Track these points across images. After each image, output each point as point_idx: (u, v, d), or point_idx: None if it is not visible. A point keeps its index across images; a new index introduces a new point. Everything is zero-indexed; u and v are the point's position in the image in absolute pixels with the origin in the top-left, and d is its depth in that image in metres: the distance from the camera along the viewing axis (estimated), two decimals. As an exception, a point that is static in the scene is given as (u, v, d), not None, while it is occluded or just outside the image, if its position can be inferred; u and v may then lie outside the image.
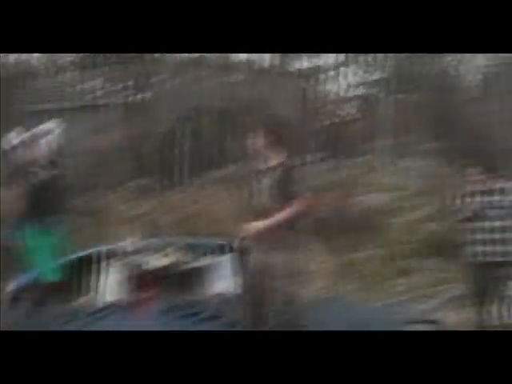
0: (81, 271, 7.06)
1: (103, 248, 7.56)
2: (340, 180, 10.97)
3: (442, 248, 8.71)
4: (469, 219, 5.82)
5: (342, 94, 32.27)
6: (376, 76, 26.85)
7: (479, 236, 5.77)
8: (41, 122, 5.55)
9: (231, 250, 7.58)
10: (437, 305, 6.89)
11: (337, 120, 30.40)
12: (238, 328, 4.95)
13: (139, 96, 28.02)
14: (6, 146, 5.31)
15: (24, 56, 17.33)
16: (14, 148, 5.30)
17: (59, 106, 17.92)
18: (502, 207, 5.79)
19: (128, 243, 7.38)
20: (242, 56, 19.78)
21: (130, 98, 28.68)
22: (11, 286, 7.59)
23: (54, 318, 5.60)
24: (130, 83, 27.80)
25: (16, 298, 7.49)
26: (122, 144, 23.99)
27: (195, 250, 7.45)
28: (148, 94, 26.80)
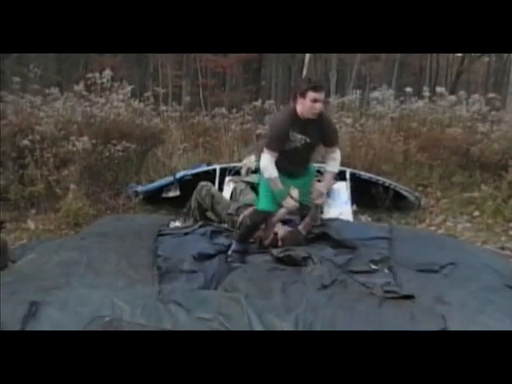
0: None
1: (222, 166, 7.71)
2: (465, 115, 10.58)
3: None
4: None
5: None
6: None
7: None
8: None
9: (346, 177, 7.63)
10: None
11: (463, 55, 29.46)
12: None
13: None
14: None
15: None
16: None
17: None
18: None
19: (246, 162, 7.48)
20: None
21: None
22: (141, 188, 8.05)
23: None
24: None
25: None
26: (244, 65, 24.20)
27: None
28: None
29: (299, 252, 4.91)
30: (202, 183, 6.83)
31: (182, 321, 3.58)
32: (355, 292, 4.21)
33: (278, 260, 4.89)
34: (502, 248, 6.60)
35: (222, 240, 5.47)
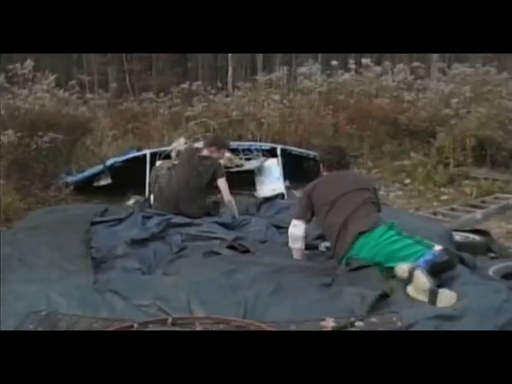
0: (130, 173, 7.16)
1: (152, 150, 7.65)
2: (391, 85, 10.73)
3: (496, 156, 8.58)
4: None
5: None
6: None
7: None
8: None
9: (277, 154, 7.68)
10: (487, 214, 6.79)
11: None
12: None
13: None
14: None
15: None
16: None
17: None
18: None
19: (176, 145, 7.43)
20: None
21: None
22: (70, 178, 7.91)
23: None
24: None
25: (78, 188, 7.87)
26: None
27: (244, 152, 7.57)
28: None
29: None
30: (163, 167, 6.67)
31: (119, 309, 3.53)
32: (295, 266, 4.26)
33: (229, 246, 4.89)
34: (435, 213, 6.72)
35: (153, 223, 5.43)
